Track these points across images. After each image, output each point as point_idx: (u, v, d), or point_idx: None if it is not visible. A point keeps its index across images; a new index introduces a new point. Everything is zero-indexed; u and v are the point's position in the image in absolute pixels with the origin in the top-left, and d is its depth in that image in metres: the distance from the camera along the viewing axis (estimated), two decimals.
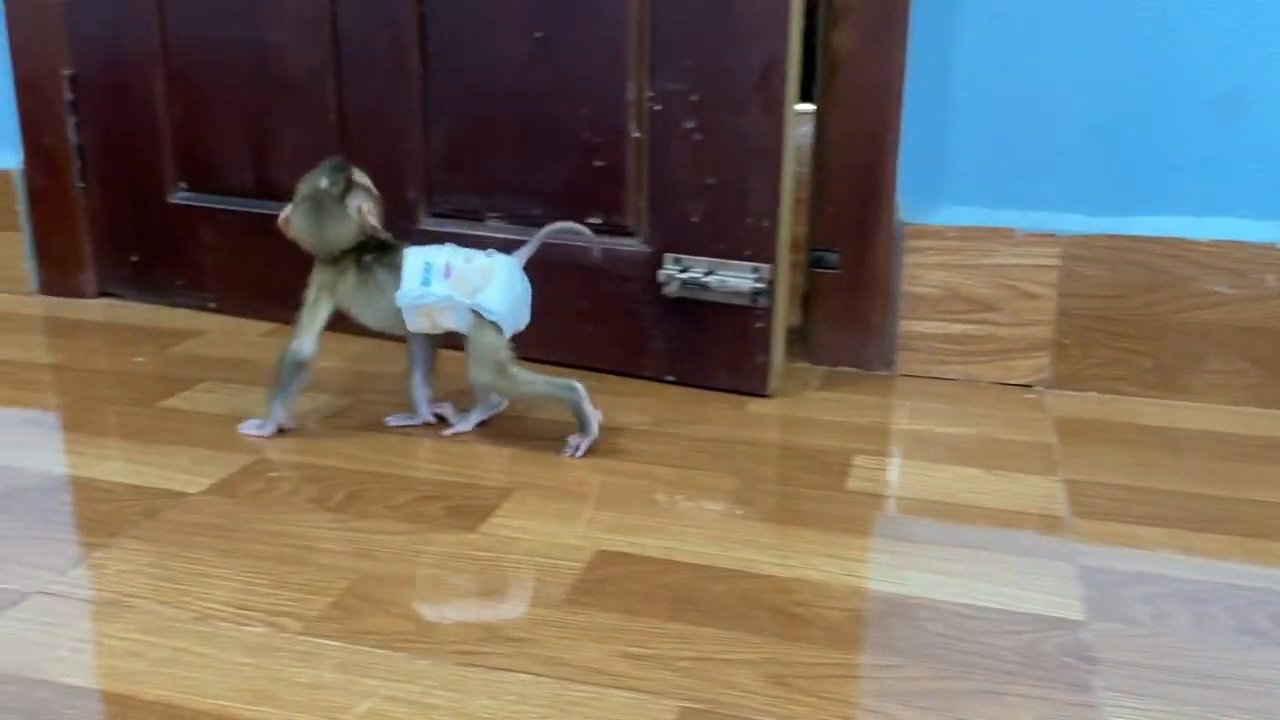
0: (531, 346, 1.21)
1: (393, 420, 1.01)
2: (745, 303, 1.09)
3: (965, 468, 0.94)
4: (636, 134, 1.11)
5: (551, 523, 0.82)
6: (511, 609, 0.70)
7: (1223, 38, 1.03)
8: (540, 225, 1.00)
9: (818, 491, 0.88)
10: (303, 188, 0.97)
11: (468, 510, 0.83)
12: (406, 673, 0.63)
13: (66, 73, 1.36)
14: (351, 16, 1.21)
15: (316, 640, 0.66)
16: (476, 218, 1.21)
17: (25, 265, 1.44)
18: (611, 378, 1.15)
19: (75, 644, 0.66)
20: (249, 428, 0.98)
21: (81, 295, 1.42)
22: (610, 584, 0.73)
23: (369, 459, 0.93)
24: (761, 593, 0.72)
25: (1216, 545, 0.80)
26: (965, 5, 1.08)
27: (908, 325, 1.17)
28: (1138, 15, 1.04)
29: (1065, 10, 1.06)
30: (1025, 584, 0.74)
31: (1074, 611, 0.71)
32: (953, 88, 1.11)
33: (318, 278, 0.97)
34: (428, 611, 0.70)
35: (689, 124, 1.09)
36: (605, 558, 0.76)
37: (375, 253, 0.96)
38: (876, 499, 0.87)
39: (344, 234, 0.95)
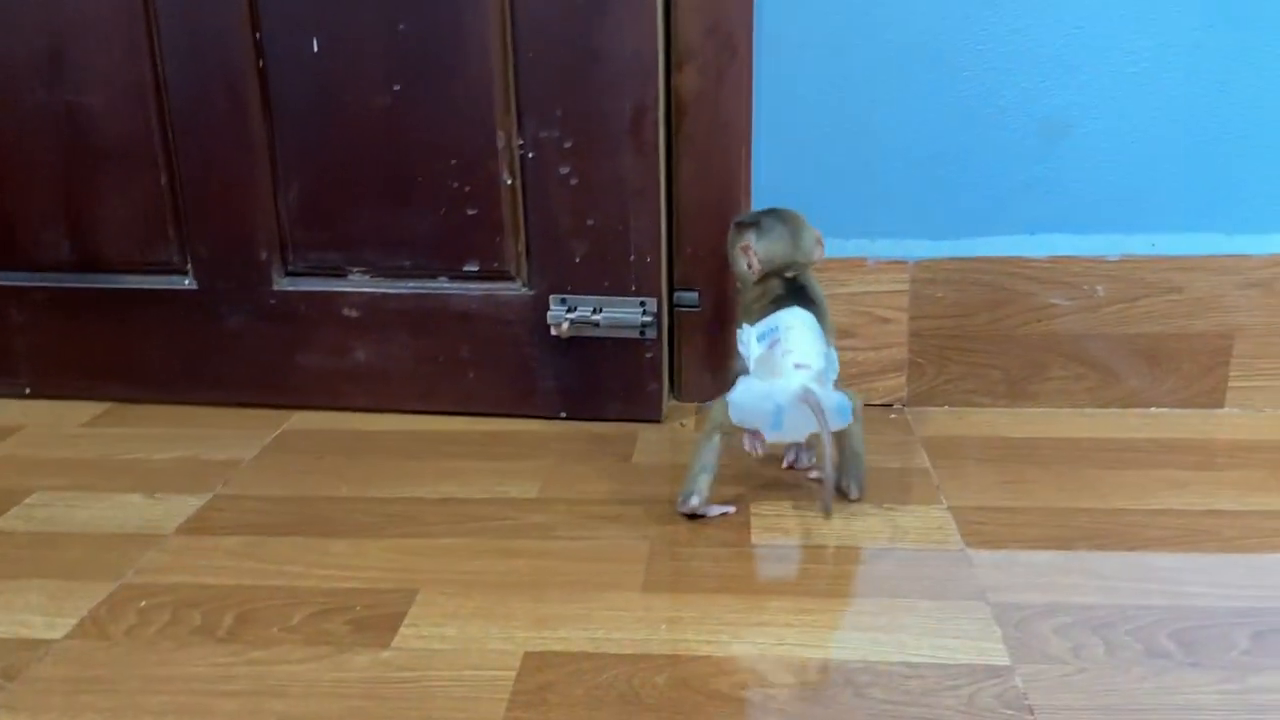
0: (410, 398, 1.18)
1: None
2: (634, 335, 1.13)
3: (856, 505, 0.96)
4: (509, 181, 1.11)
5: (468, 625, 0.78)
6: None
7: (1042, 65, 1.09)
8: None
9: (725, 549, 0.88)
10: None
11: (374, 622, 0.79)
12: None
13: None
14: (180, 76, 1.13)
15: None
16: (339, 274, 1.17)
17: None
18: (498, 419, 1.15)
19: None
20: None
21: None
22: (550, 692, 0.70)
23: (247, 569, 0.86)
24: (703, 679, 0.71)
25: (1104, 564, 0.85)
26: (806, 44, 1.10)
27: None
28: (963, 46, 1.09)
29: (898, 45, 1.09)
30: (949, 631, 0.76)
31: (999, 656, 0.73)
32: (798, 124, 1.13)
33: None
34: None
35: (564, 169, 1.09)
36: (536, 660, 0.73)
37: (790, 292, 0.94)
38: (783, 551, 0.88)
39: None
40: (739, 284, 1.00)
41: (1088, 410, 1.16)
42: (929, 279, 1.15)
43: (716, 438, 0.92)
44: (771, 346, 0.90)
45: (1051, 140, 1.11)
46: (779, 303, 0.94)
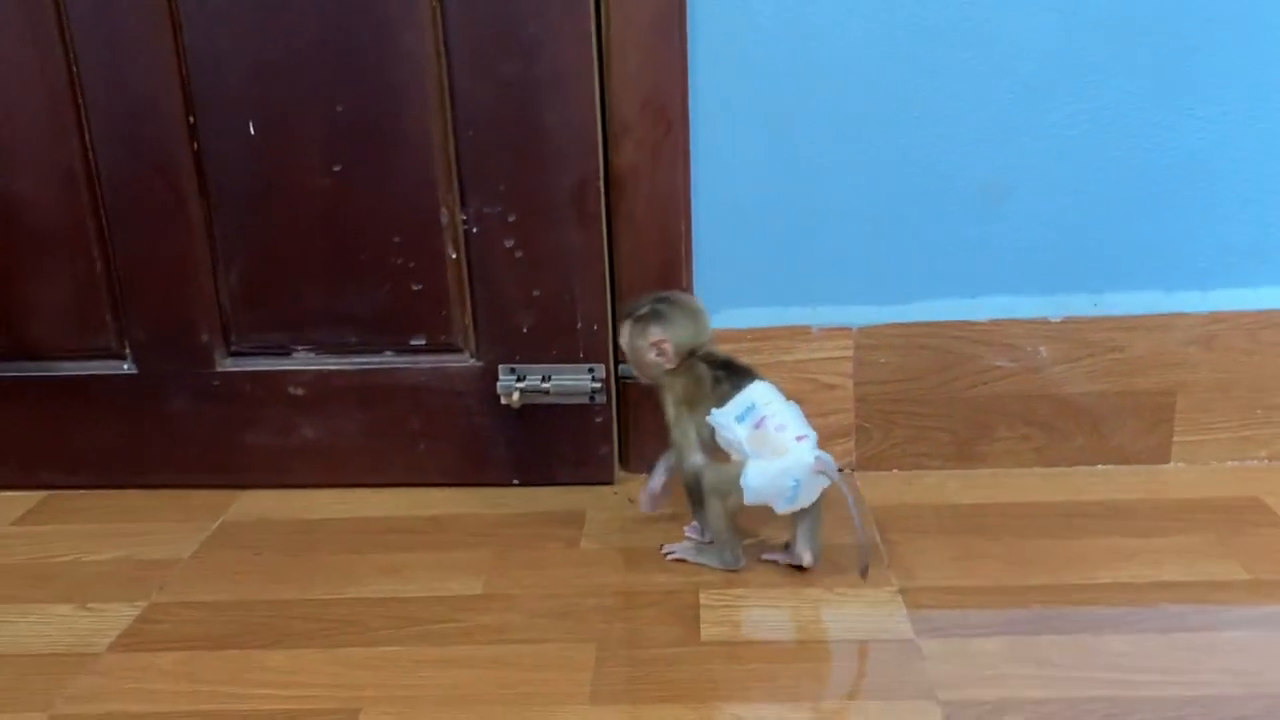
0: (358, 471, 1.16)
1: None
2: (584, 401, 1.14)
3: (806, 589, 0.95)
4: (454, 255, 1.11)
5: None
6: None
7: (979, 130, 1.09)
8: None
9: (675, 649, 0.87)
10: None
11: None
12: None
13: None
14: (113, 163, 1.11)
15: None
16: (283, 353, 1.16)
17: None
18: (449, 489, 1.16)
19: None
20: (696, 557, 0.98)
21: None
22: None
23: (183, 693, 0.84)
24: None
25: (1054, 650, 0.84)
26: (743, 113, 1.09)
27: None
28: (901, 115, 1.08)
29: (834, 114, 1.09)
30: None
31: None
32: (738, 194, 1.12)
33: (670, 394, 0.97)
34: None
35: (509, 242, 1.10)
36: None
37: (724, 370, 0.95)
38: (733, 649, 0.87)
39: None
40: (647, 377, 0.99)
41: (1036, 469, 1.16)
42: (872, 344, 1.15)
43: (717, 502, 0.94)
44: (758, 426, 0.91)
45: (992, 203, 1.11)
46: (725, 382, 0.94)
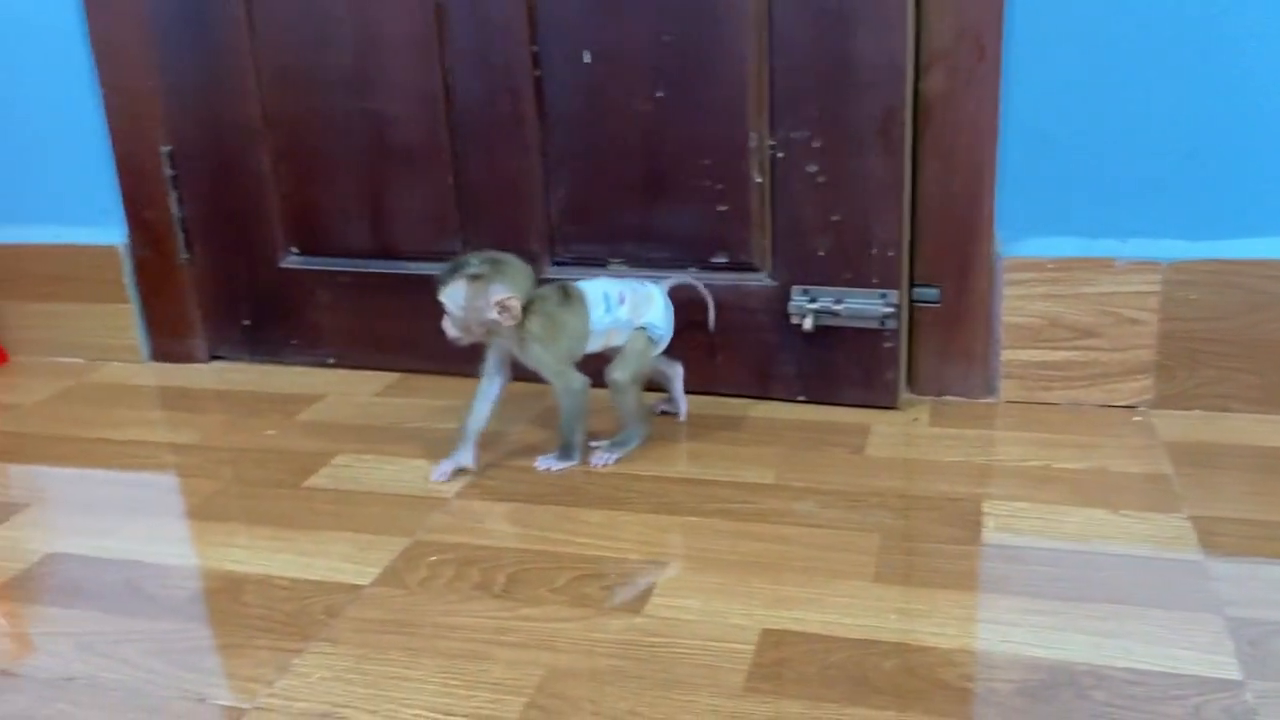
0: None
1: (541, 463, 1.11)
2: (874, 326, 1.19)
3: (1092, 509, 0.97)
4: (759, 179, 1.19)
5: (711, 600, 0.86)
6: (699, 701, 0.74)
7: None
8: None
9: (956, 547, 0.92)
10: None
11: (627, 590, 0.88)
12: None
13: (165, 149, 1.40)
14: (467, 87, 1.26)
15: None
16: (599, 264, 1.29)
17: (135, 335, 1.49)
18: (737, 403, 1.25)
19: None
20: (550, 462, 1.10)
21: (192, 360, 1.48)
22: (785, 668, 0.77)
23: (514, 534, 0.98)
24: (930, 668, 0.76)
25: None
26: (1059, 40, 1.10)
27: (1009, 354, 1.19)
28: (1221, 42, 1.05)
29: (1154, 40, 1.07)
30: (1179, 642, 0.77)
31: (1231, 670, 0.74)
32: (1048, 122, 1.13)
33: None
34: (620, 707, 0.74)
35: (812, 168, 1.16)
36: (773, 638, 0.80)
37: (557, 294, 1.08)
38: (1014, 552, 0.91)
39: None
40: (472, 337, 1.06)
41: None
42: (1183, 280, 1.13)
43: (635, 387, 1.10)
44: (623, 301, 1.08)
45: None
46: (567, 300, 1.08)
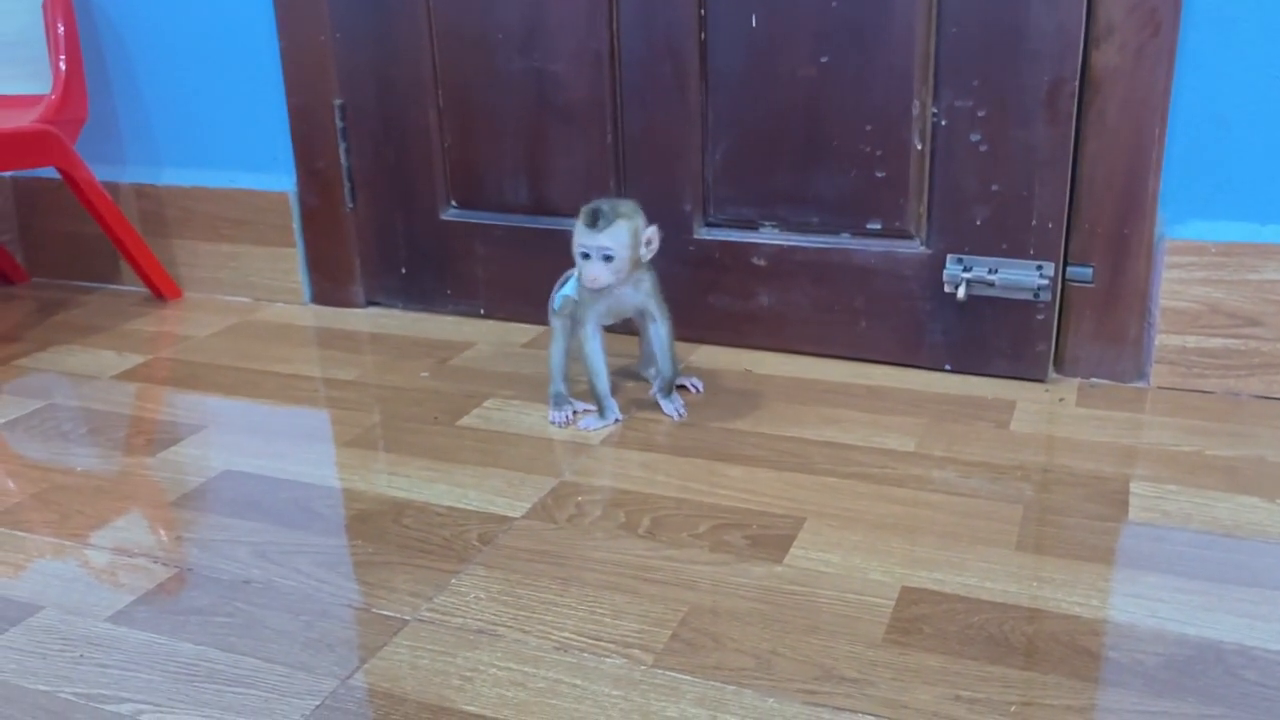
0: (804, 341, 1.30)
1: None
2: (1028, 297, 1.18)
3: (1246, 496, 0.95)
4: (919, 146, 1.20)
5: (851, 555, 0.87)
6: (838, 647, 0.76)
7: None
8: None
9: (1102, 524, 0.91)
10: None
11: (768, 540, 0.90)
12: (758, 710, 0.70)
13: (337, 102, 1.47)
14: (632, 48, 1.29)
15: (670, 674, 0.74)
16: (751, 227, 1.31)
17: (299, 278, 1.57)
18: (884, 366, 1.26)
19: (464, 673, 0.75)
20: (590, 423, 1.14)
21: (350, 304, 1.55)
22: (924, 624, 0.78)
23: (658, 481, 1.01)
24: (1071, 635, 0.76)
25: None
26: (1236, 21, 1.07)
27: (1164, 339, 1.17)
28: None
29: None
30: None
31: None
32: (1222, 102, 1.10)
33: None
34: (762, 647, 0.76)
35: (974, 137, 1.17)
36: (912, 595, 0.82)
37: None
38: (1161, 532, 0.90)
39: None
40: (622, 278, 1.09)
41: None
42: None
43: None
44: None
45: None
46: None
